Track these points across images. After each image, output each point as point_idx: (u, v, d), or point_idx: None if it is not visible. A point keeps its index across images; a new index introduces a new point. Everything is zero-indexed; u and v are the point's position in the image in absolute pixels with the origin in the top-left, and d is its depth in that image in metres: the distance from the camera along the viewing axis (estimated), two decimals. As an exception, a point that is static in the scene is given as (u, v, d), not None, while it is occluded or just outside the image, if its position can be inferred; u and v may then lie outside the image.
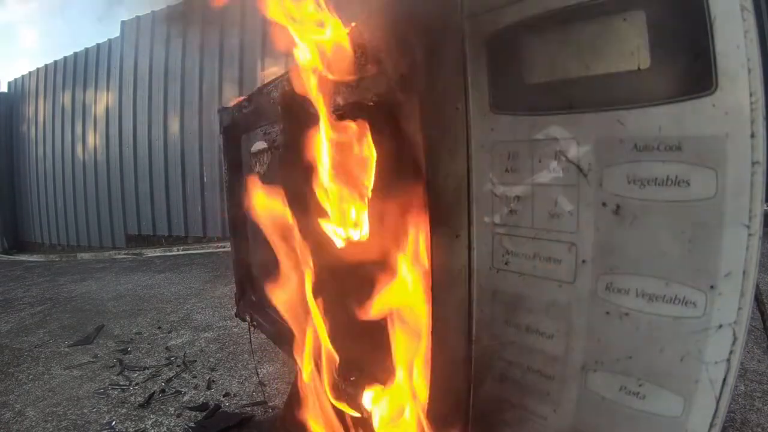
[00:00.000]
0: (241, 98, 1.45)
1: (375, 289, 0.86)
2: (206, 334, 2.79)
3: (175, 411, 1.85)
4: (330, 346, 0.95)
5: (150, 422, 1.78)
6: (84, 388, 2.14)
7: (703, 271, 0.46)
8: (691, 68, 0.45)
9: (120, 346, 2.70)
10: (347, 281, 0.91)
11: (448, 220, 0.66)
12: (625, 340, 0.52)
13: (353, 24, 0.82)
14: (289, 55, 0.92)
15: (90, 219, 8.88)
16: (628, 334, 0.52)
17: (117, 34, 8.24)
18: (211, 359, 2.39)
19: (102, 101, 8.51)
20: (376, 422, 0.90)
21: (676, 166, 0.47)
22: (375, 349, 0.90)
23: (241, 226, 1.68)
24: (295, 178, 0.98)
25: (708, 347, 0.47)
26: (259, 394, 1.93)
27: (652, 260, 0.49)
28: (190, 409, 1.85)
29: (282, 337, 1.30)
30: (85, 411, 1.91)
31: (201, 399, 1.94)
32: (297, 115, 0.96)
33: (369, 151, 0.84)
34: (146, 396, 1.99)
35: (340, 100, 0.80)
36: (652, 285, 0.50)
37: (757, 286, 0.50)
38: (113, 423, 1.79)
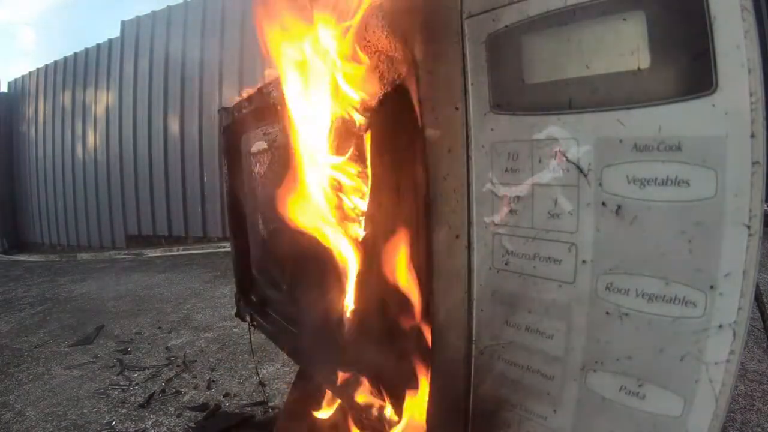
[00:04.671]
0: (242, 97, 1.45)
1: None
2: (206, 334, 2.79)
3: (175, 411, 1.85)
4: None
5: (150, 422, 1.78)
6: (84, 388, 2.14)
7: (703, 271, 0.46)
8: (691, 68, 0.45)
9: (120, 346, 2.70)
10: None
11: (448, 220, 0.66)
12: (625, 340, 0.52)
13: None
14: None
15: (90, 219, 8.88)
16: (628, 334, 0.52)
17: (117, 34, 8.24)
18: (211, 359, 2.39)
19: (102, 101, 8.51)
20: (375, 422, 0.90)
21: (676, 166, 0.47)
22: (376, 348, 0.90)
23: (241, 226, 1.68)
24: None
25: (708, 347, 0.47)
26: (259, 394, 1.93)
27: (652, 260, 0.49)
28: (190, 409, 1.86)
29: (282, 337, 1.30)
30: (85, 411, 1.91)
31: (201, 399, 1.94)
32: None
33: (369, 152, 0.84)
34: (146, 396, 1.99)
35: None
36: (652, 285, 0.50)
37: (757, 286, 0.50)
38: (113, 423, 1.79)
